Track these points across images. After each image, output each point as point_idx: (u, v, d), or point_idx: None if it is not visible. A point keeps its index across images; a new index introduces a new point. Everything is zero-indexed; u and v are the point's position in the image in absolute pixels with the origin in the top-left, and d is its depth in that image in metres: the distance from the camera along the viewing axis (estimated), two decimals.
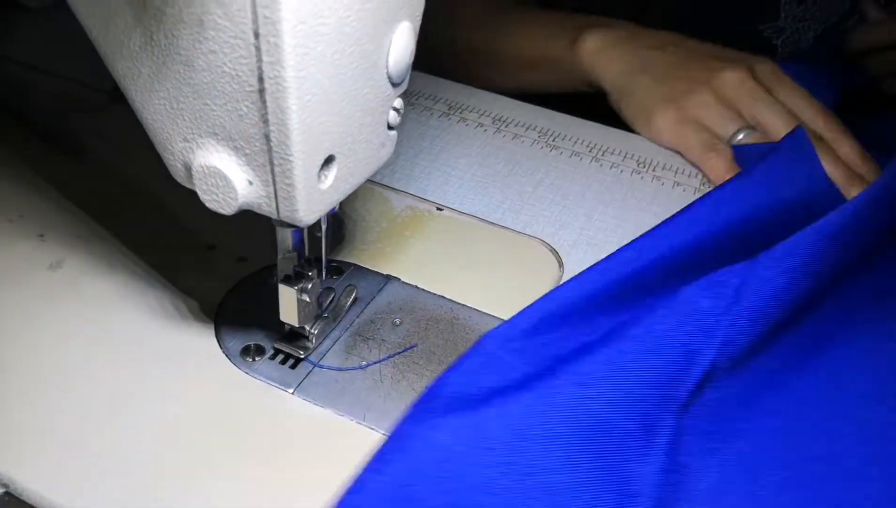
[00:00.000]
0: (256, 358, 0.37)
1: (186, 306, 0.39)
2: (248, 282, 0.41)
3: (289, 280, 0.34)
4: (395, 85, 0.31)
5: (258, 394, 0.35)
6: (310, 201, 0.28)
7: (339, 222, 0.43)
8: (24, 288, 0.39)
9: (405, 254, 0.44)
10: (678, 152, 0.53)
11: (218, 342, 0.37)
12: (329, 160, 0.29)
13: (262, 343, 0.37)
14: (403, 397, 0.36)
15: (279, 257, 0.34)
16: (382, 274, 0.42)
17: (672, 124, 0.53)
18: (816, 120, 0.51)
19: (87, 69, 0.56)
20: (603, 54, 0.56)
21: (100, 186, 0.46)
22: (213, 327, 0.38)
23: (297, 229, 0.33)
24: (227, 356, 0.37)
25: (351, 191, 0.31)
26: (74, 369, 0.35)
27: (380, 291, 0.41)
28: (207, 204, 0.29)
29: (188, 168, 0.29)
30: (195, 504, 0.30)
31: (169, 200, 0.45)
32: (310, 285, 0.34)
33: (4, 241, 0.42)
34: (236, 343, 0.37)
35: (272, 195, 0.28)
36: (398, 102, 0.32)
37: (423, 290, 0.42)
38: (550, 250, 0.45)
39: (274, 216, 0.29)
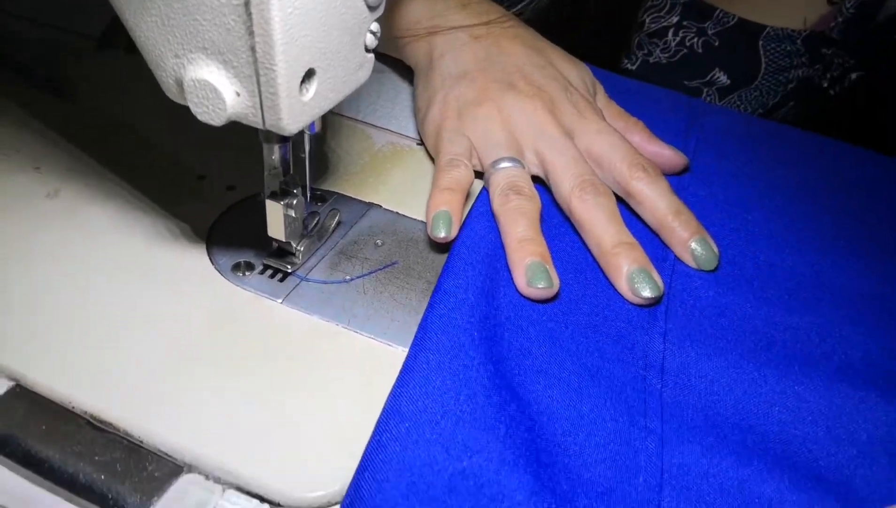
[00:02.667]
0: (247, 273, 0.39)
1: (179, 230, 0.41)
2: (238, 207, 0.43)
3: (275, 196, 0.36)
4: (371, 8, 0.33)
5: (249, 304, 0.38)
6: (292, 110, 0.31)
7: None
8: (23, 215, 0.41)
9: (386, 184, 0.46)
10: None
11: (210, 260, 0.40)
12: (310, 74, 0.31)
13: (251, 261, 0.40)
14: (385, 306, 0.38)
15: (266, 173, 0.36)
16: (364, 201, 0.45)
17: (441, 123, 0.46)
18: (619, 166, 0.43)
19: (75, 18, 0.58)
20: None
21: (91, 125, 0.48)
22: (205, 247, 0.40)
23: (283, 146, 0.35)
24: (219, 271, 0.39)
25: (331, 106, 0.33)
26: (75, 282, 0.38)
27: (362, 216, 0.44)
28: (199, 116, 0.31)
29: (180, 83, 0.31)
30: (192, 399, 0.33)
31: (159, 137, 0.48)
32: (294, 202, 0.37)
33: (1, 173, 0.44)
34: (227, 261, 0.40)
35: (258, 105, 0.30)
36: (375, 26, 0.34)
37: (402, 215, 0.44)
38: None
39: (260, 126, 0.31)
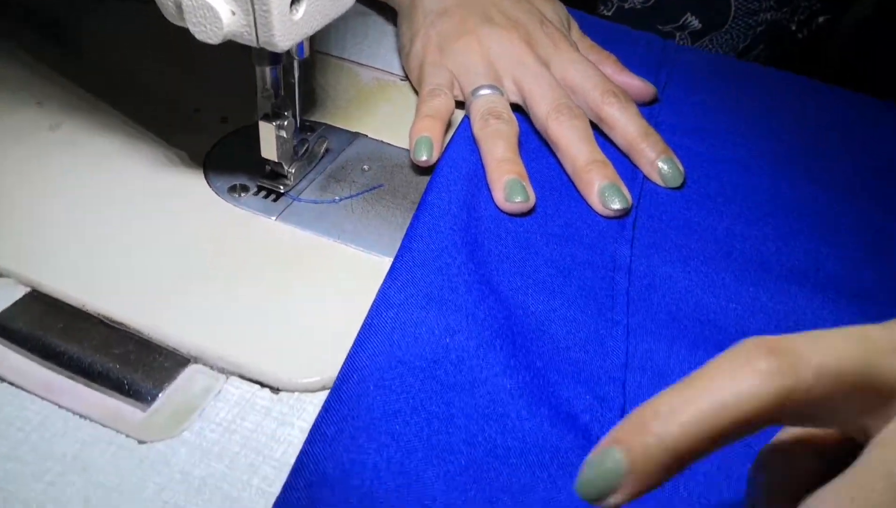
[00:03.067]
0: (242, 194, 0.42)
1: (177, 157, 0.44)
2: (232, 136, 0.45)
3: (267, 118, 0.39)
4: None
5: (246, 221, 0.40)
6: (284, 29, 0.33)
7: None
8: (28, 146, 0.44)
9: (372, 116, 0.49)
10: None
11: (207, 183, 0.42)
12: None
13: (246, 183, 0.42)
14: (372, 223, 0.41)
15: (259, 95, 0.38)
16: (351, 131, 0.47)
17: (424, 57, 0.49)
18: (592, 92, 0.45)
19: None
20: None
21: (90, 66, 0.51)
22: (202, 172, 0.43)
23: (274, 68, 0.38)
24: (215, 193, 0.42)
25: (319, 27, 0.36)
26: (82, 203, 0.40)
27: (349, 144, 0.46)
28: (197, 36, 0.34)
29: (178, 6, 0.33)
30: (196, 301, 0.36)
31: (156, 77, 0.50)
32: (286, 123, 0.39)
33: (4, 108, 0.46)
34: (223, 183, 0.42)
35: (252, 24, 0.33)
36: None
37: (388, 144, 0.47)
38: None
39: (254, 44, 0.34)
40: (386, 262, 0.38)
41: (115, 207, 0.40)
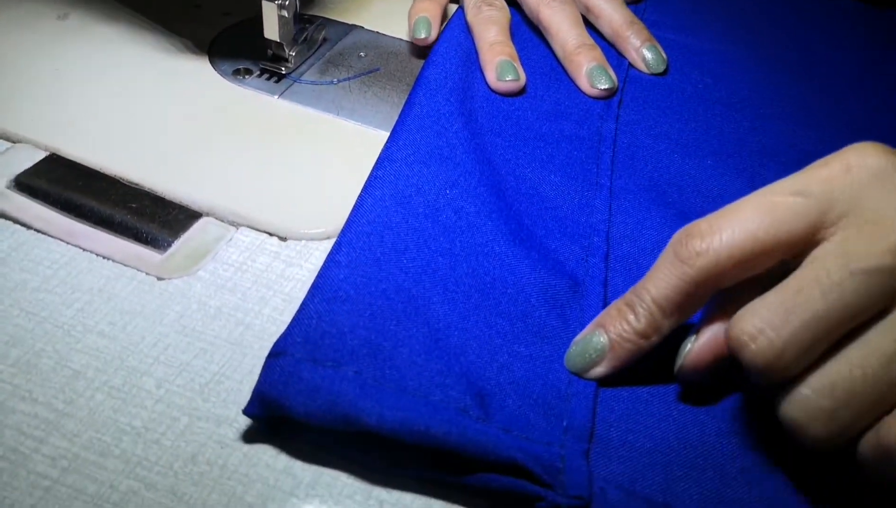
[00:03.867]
0: (246, 76, 0.44)
1: (183, 45, 0.46)
2: (234, 27, 0.47)
3: None
4: None
5: (250, 99, 0.42)
6: None
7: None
8: (37, 34, 0.45)
9: (367, 10, 0.51)
10: None
11: (213, 67, 0.44)
12: None
13: (249, 67, 0.44)
14: (370, 102, 0.43)
15: None
16: (348, 23, 0.49)
17: None
18: None
19: None
20: None
21: None
22: (207, 58, 0.45)
23: None
24: (221, 75, 0.44)
25: None
26: (96, 80, 0.42)
27: (346, 35, 0.48)
28: None
29: None
30: (206, 164, 0.38)
31: None
32: (287, 2, 0.41)
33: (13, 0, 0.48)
34: (228, 67, 0.44)
35: None
36: None
37: (383, 34, 0.49)
38: None
39: None
40: (383, 135, 0.41)
41: (127, 86, 0.42)
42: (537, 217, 0.36)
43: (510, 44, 0.45)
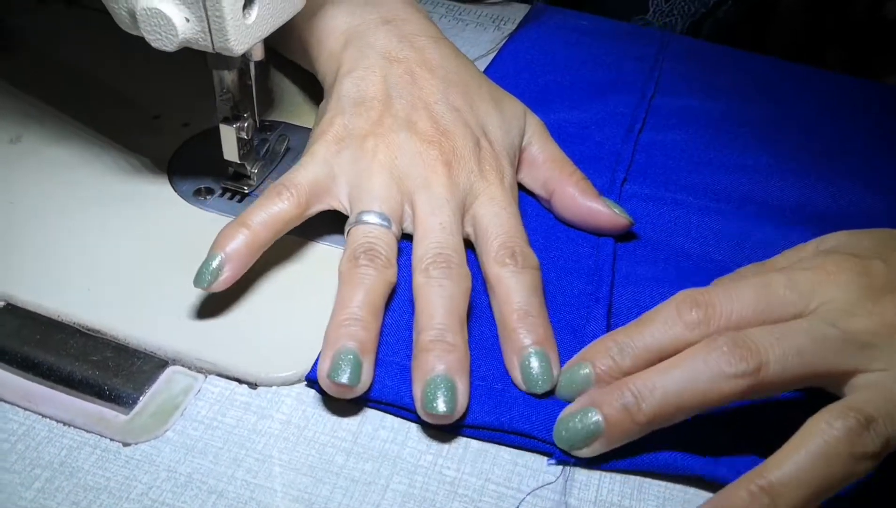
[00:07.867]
0: (207, 197, 0.42)
1: (140, 163, 0.44)
2: (194, 141, 0.46)
3: (227, 121, 0.40)
4: None
5: (213, 223, 0.41)
6: (238, 32, 0.34)
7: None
8: None
9: None
10: None
11: (172, 187, 0.43)
12: (250, 0, 0.34)
13: (211, 186, 0.43)
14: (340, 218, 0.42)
15: (217, 99, 0.39)
16: (310, 128, 0.48)
17: (312, 146, 0.40)
18: (491, 242, 0.38)
19: None
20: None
21: (41, 75, 0.51)
22: (166, 177, 0.44)
23: (230, 72, 0.38)
24: (181, 197, 0.42)
25: (272, 29, 0.37)
26: (49, 213, 0.41)
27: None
28: (153, 44, 0.34)
29: (132, 14, 0.34)
30: (170, 304, 0.36)
31: (110, 81, 0.50)
32: (246, 124, 0.40)
33: None
34: (188, 187, 0.43)
35: (206, 30, 0.33)
36: None
37: None
38: None
39: (210, 50, 0.34)
40: None
41: (84, 215, 0.41)
42: None
43: (373, 324, 0.34)
